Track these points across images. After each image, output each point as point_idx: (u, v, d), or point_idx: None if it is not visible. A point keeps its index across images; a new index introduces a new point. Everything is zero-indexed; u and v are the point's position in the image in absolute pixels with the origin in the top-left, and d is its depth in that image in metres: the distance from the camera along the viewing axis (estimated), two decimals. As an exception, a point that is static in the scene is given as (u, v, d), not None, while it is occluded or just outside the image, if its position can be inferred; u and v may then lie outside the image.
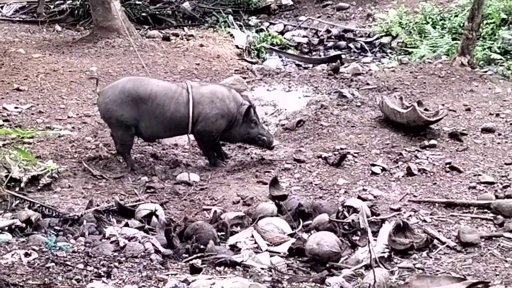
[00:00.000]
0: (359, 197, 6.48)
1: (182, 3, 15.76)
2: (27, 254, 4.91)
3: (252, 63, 12.60)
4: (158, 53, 12.13)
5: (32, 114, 8.98)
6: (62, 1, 15.55)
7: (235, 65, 12.08)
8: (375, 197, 6.56)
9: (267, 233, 5.86)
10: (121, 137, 7.55)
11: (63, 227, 5.86)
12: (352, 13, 15.30)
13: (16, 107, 9.05)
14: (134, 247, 5.29)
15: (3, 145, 7.15)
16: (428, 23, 13.16)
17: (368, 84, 10.41)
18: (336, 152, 7.75)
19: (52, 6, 15.45)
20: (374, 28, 14.43)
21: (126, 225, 5.98)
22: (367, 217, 5.90)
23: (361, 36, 14.52)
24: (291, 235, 5.90)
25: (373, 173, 7.20)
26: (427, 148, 7.73)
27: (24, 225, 5.71)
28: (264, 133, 7.70)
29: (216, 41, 13.25)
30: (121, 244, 5.34)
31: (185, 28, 14.39)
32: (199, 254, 5.36)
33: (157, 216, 6.19)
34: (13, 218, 5.77)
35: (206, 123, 7.49)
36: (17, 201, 6.25)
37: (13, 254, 4.89)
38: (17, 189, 6.56)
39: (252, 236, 5.85)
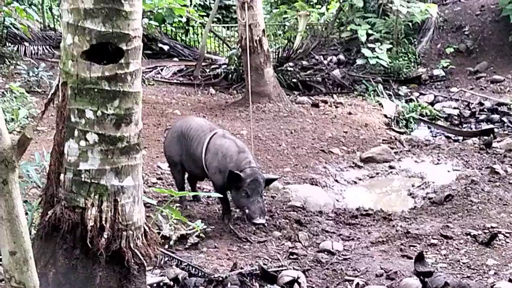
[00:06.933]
0: (510, 280, 6.17)
1: (332, 70, 15.98)
2: (173, 313, 5.07)
3: (400, 133, 12.51)
4: (306, 119, 12.32)
5: (184, 173, 9.32)
6: (217, 66, 16.25)
7: (383, 134, 12.05)
8: (527, 281, 6.23)
9: (410, 310, 5.71)
10: (173, 174, 8.38)
11: (208, 287, 5.98)
12: (507, 86, 14.87)
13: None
14: (275, 313, 5.32)
15: (157, 203, 7.48)
16: None
17: (523, 160, 10.05)
18: (486, 231, 7.46)
19: (207, 70, 16.17)
20: (530, 102, 13.96)
21: (269, 290, 6.02)
22: (519, 302, 5.62)
23: (516, 110, 14.06)
24: (435, 315, 5.71)
25: (526, 256, 6.87)
26: None
27: (171, 283, 5.89)
28: (251, 207, 7.34)
29: (364, 110, 13.29)
30: (263, 310, 5.38)
31: (334, 96, 14.57)
32: (340, 327, 5.31)
33: (299, 284, 6.18)
34: (162, 275, 5.98)
35: (210, 172, 7.72)
36: (166, 258, 6.47)
37: (160, 312, 5.06)
38: (166, 246, 6.80)
39: (395, 312, 5.72)
